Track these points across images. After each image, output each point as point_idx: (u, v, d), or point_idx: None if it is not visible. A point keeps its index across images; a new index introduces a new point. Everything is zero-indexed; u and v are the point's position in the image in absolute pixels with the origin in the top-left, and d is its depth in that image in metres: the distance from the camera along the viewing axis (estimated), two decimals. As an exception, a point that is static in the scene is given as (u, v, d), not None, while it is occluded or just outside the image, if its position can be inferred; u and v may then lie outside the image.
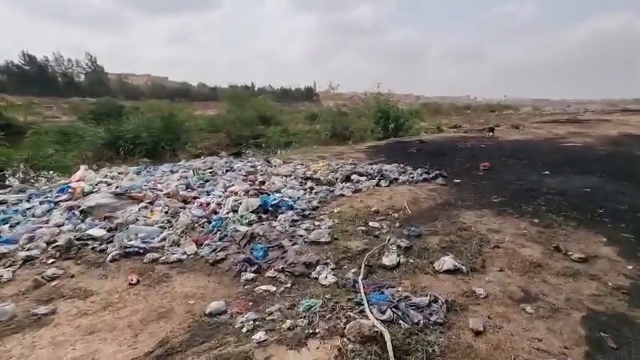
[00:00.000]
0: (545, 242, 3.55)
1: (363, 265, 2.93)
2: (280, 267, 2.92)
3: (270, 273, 2.89)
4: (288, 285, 2.74)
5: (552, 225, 4.03)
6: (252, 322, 2.18)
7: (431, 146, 10.85)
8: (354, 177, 6.21)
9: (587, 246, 3.48)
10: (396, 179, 6.19)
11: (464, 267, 2.96)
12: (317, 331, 2.08)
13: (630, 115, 34.54)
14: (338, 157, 8.63)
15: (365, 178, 6.16)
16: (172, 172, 6.24)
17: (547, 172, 6.90)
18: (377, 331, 2.03)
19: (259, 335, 2.03)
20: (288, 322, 2.15)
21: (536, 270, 2.99)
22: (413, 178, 6.24)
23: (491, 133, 15.62)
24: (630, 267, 3.05)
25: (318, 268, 2.90)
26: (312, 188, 5.55)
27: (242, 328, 2.15)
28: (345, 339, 2.02)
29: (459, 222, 4.13)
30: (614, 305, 2.49)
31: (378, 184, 5.90)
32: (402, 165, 7.32)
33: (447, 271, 2.92)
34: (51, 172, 7.92)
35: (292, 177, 6.15)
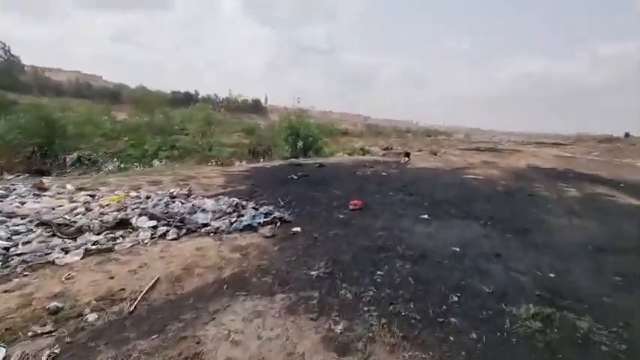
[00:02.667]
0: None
1: None
2: None
3: None
4: None
5: (358, 340, 2.24)
6: None
7: (323, 172, 9.19)
8: (140, 220, 4.05)
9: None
10: (205, 225, 4.16)
11: None
12: None
13: (542, 148, 37.87)
14: (179, 184, 6.42)
15: (154, 222, 4.03)
16: None
17: (426, 217, 5.42)
18: None
19: None
20: None
21: None
22: (233, 224, 4.26)
23: (406, 159, 14.74)
24: None
25: None
26: (26, 243, 3.25)
27: None
28: None
29: (192, 338, 2.16)
30: None
31: (164, 235, 3.81)
32: (243, 201, 5.34)
33: None
34: None
35: (29, 219, 3.79)
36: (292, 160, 11.99)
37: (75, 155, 15.00)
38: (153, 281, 2.81)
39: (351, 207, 5.60)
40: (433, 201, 6.55)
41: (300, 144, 13.79)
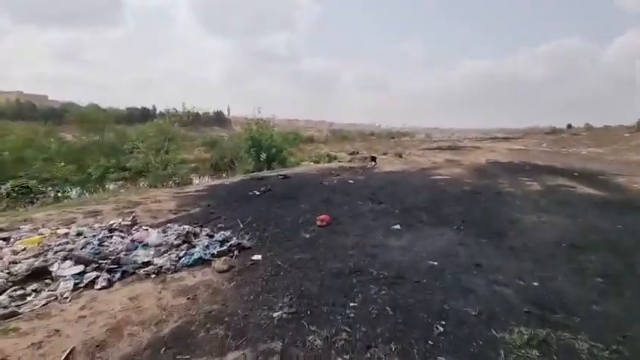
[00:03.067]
0: None
1: None
2: None
3: None
4: None
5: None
6: None
7: (287, 184, 8.68)
8: (62, 267, 3.32)
9: None
10: (147, 264, 3.50)
11: None
12: None
13: (497, 142, 40.03)
14: (123, 212, 5.62)
15: (81, 268, 3.31)
16: None
17: (398, 227, 5.09)
18: None
19: None
20: None
21: None
22: (181, 259, 3.63)
23: (373, 163, 14.62)
24: None
25: None
26: None
27: None
28: None
29: None
30: None
31: (93, 283, 3.11)
32: (196, 228, 4.71)
33: None
34: None
35: None
36: (254, 173, 11.35)
37: (9, 185, 13.30)
38: (64, 355, 2.15)
39: (318, 223, 5.15)
40: (403, 208, 6.27)
41: (263, 156, 13.18)
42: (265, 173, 10.83)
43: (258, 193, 7.36)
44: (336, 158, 22.55)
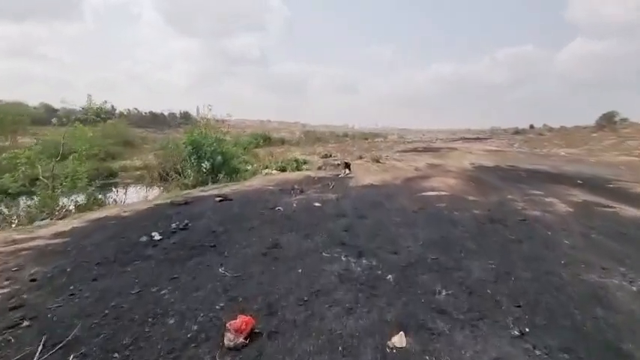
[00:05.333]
0: None
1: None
2: None
3: None
4: None
5: None
6: None
7: (221, 213, 5.77)
8: None
9: None
10: None
11: None
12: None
13: (469, 143, 39.20)
14: None
15: None
16: None
17: (400, 341, 2.39)
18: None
19: None
20: None
21: None
22: None
23: (347, 171, 12.02)
24: None
25: None
26: None
27: None
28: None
29: None
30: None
31: None
32: None
33: None
34: None
35: None
36: (188, 191, 8.29)
37: None
38: None
39: (229, 341, 2.32)
40: (400, 267, 3.60)
41: (206, 165, 10.14)
42: (198, 192, 7.79)
43: (158, 239, 4.41)
44: (305, 163, 19.73)
